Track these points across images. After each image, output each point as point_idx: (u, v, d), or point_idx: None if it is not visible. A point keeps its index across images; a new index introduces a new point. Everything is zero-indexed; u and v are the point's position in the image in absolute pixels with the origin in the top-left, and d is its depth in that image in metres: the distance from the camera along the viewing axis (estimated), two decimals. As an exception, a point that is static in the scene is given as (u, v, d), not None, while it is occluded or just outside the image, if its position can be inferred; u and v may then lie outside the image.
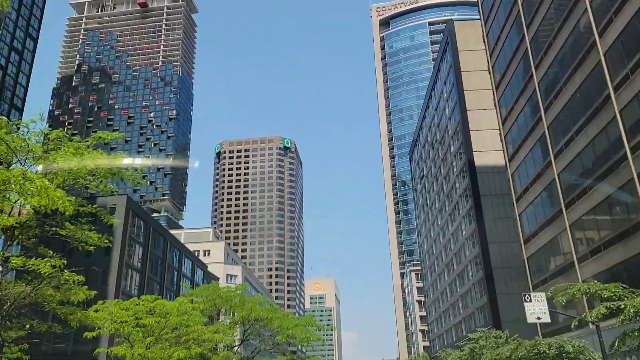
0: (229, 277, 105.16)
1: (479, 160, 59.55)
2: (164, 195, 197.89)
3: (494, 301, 53.62)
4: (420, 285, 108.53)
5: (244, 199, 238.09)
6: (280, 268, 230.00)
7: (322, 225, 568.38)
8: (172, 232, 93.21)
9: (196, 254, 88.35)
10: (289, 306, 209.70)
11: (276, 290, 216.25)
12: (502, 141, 43.11)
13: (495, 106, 44.07)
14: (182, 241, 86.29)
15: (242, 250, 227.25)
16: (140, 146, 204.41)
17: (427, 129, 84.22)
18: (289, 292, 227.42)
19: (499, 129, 43.66)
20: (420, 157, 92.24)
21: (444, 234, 74.57)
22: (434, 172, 79.68)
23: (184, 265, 77.35)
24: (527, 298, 22.66)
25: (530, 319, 22.63)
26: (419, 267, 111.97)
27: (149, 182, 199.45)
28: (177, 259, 74.22)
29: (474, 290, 60.08)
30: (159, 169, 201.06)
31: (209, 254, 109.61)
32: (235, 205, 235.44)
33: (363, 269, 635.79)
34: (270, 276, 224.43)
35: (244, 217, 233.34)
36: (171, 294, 68.58)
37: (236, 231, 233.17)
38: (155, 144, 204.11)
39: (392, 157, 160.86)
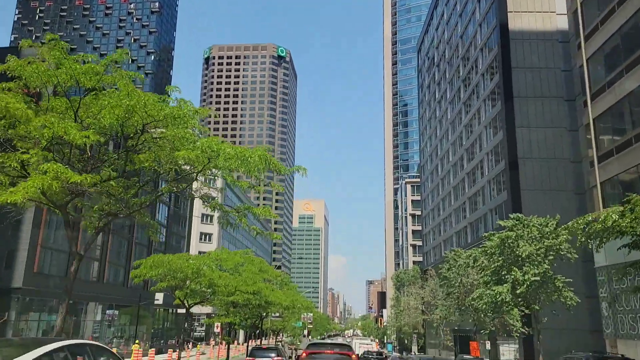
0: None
1: (514, 24, 46.26)
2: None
3: (516, 196, 42.75)
4: (416, 198, 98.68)
5: (234, 109, 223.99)
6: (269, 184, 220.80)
7: (314, 142, 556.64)
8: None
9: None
10: (276, 222, 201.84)
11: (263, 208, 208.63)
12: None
13: None
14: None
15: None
16: (119, 41, 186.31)
17: (444, 4, 69.52)
18: (277, 208, 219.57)
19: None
20: (431, 44, 78.00)
21: (454, 129, 62.67)
22: (448, 56, 66.17)
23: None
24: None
25: None
26: (416, 179, 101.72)
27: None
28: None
29: (489, 188, 49.17)
30: (139, 67, 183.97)
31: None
32: (224, 116, 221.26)
33: (355, 191, 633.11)
34: (258, 192, 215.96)
35: (232, 129, 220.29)
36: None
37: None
38: (135, 40, 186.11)
39: (394, 64, 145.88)
